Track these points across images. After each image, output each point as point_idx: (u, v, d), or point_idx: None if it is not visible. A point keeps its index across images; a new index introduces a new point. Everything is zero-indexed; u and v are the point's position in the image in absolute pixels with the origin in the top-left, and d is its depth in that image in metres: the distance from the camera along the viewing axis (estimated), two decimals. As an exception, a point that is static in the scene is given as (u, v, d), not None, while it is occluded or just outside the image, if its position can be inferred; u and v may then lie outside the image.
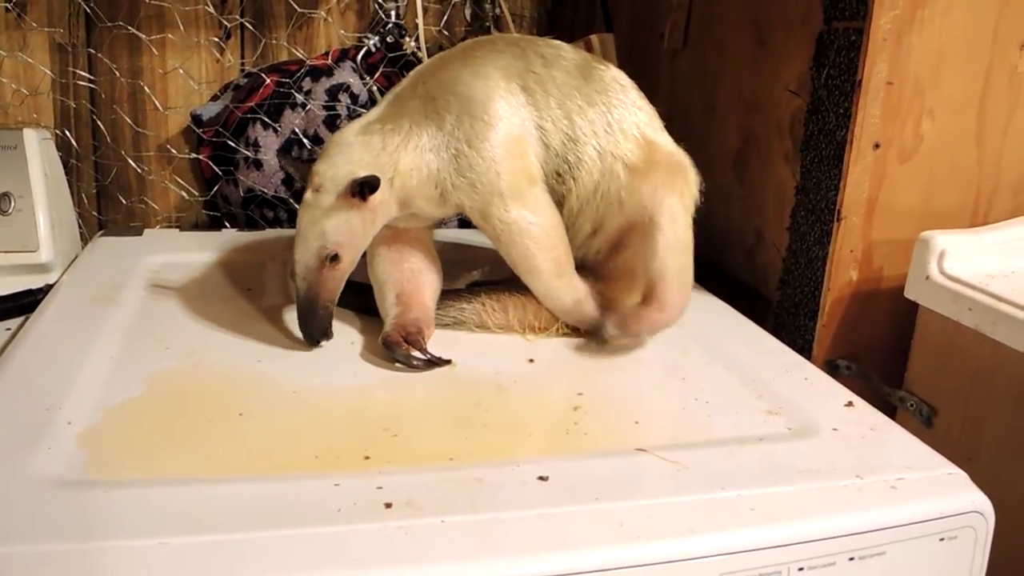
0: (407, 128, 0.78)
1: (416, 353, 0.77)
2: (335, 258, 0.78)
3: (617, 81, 0.85)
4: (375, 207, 0.78)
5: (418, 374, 0.77)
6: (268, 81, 1.23)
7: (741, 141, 1.07)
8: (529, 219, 0.80)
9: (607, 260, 0.88)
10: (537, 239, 0.81)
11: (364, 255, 0.83)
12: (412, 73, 0.84)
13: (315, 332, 0.79)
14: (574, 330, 0.86)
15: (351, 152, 0.78)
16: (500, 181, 0.78)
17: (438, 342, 0.82)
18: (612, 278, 0.87)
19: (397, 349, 0.77)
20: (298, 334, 0.80)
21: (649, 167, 0.82)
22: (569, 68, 0.84)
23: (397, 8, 1.29)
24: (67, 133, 1.25)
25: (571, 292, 0.84)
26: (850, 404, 0.75)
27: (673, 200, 0.81)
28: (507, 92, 0.80)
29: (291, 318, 0.87)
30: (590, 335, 0.84)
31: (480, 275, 1.01)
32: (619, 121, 0.83)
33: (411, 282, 0.84)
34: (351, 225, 0.77)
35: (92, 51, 1.24)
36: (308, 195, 0.77)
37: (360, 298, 0.87)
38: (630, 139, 0.83)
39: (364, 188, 0.75)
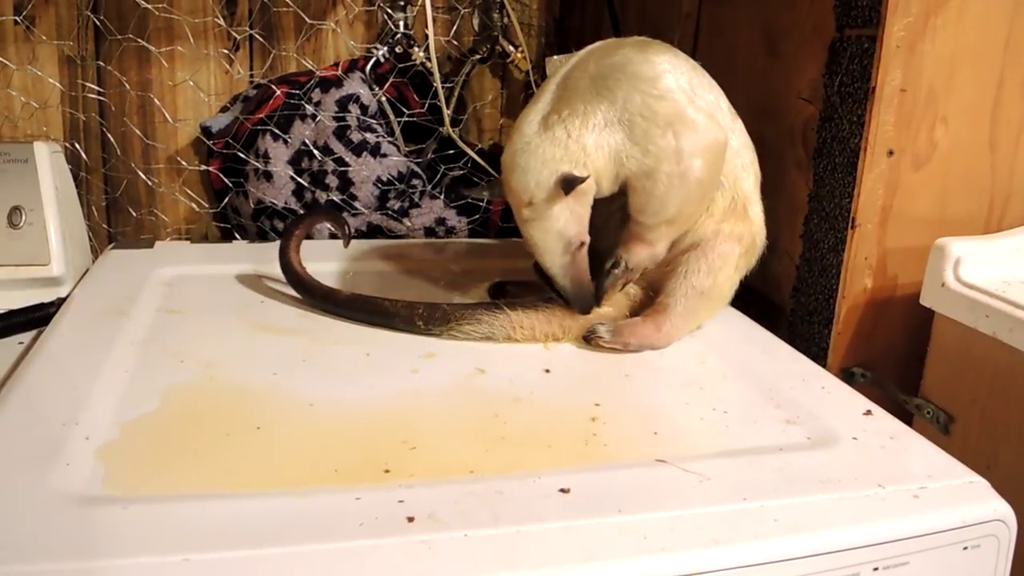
0: (582, 110, 0.80)
1: None
2: (580, 245, 0.82)
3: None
4: (585, 189, 0.80)
5: (435, 385, 0.77)
6: (278, 92, 1.23)
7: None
8: (699, 170, 0.81)
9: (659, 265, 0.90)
10: (700, 185, 0.82)
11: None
12: (579, 56, 0.85)
13: (590, 303, 0.84)
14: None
15: (541, 153, 0.79)
16: (678, 140, 0.79)
17: (455, 352, 0.83)
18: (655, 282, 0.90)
19: None
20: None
21: (739, 215, 0.87)
22: (724, 101, 0.87)
23: (406, 19, 1.29)
24: (77, 146, 1.26)
25: (665, 246, 0.86)
26: (868, 413, 0.75)
27: (736, 248, 0.86)
28: (674, 76, 0.82)
29: (304, 330, 0.87)
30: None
31: (491, 286, 1.01)
32: (746, 166, 0.88)
33: None
34: (577, 214, 0.81)
35: (101, 63, 1.24)
36: (525, 212, 0.81)
37: (371, 312, 0.88)
38: (749, 178, 0.88)
39: (569, 185, 0.78)
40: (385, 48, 1.30)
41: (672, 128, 0.79)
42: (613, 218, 0.87)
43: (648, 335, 0.86)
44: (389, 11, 1.29)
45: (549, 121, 0.80)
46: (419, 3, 1.28)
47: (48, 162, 1.08)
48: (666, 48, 0.85)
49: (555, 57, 1.32)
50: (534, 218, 0.81)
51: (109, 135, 1.26)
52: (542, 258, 0.83)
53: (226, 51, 1.28)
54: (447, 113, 1.28)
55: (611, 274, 0.85)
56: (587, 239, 0.83)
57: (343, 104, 1.23)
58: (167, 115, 1.27)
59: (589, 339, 0.85)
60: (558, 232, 0.81)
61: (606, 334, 0.85)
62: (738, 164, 0.87)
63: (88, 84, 1.24)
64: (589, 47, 0.86)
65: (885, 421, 0.74)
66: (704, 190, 0.83)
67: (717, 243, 0.86)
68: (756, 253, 0.89)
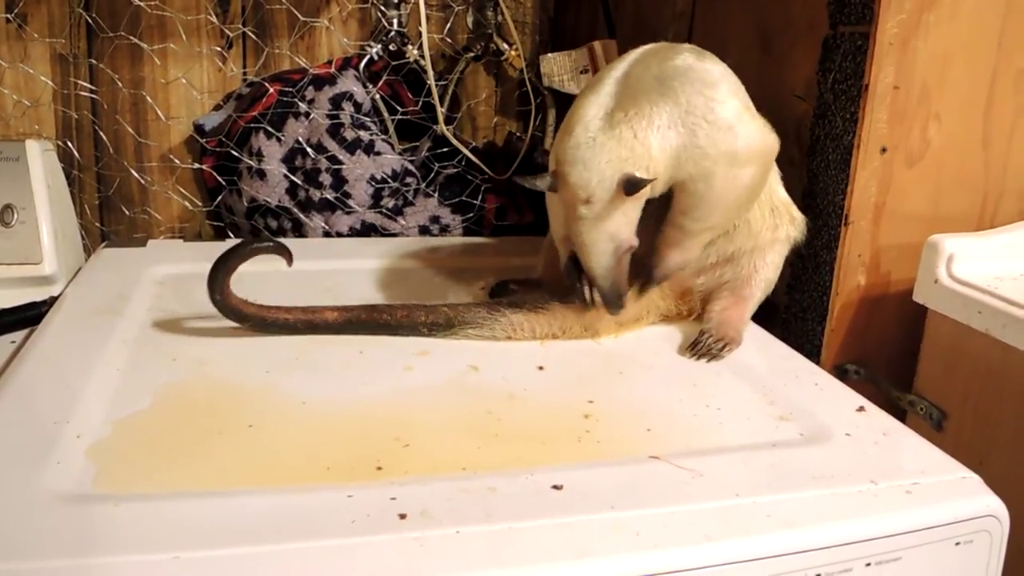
0: (648, 111, 0.79)
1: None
2: (628, 249, 0.82)
3: None
4: (642, 193, 0.80)
5: (428, 383, 0.77)
6: (271, 90, 1.23)
7: (746, 146, 1.06)
8: (750, 176, 0.83)
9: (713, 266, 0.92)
10: (748, 192, 0.84)
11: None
12: (639, 56, 0.85)
13: (622, 305, 0.83)
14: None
15: (607, 152, 0.78)
16: (737, 143, 0.81)
17: (449, 349, 0.83)
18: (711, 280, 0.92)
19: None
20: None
21: (788, 219, 0.91)
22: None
23: (399, 16, 1.29)
24: (69, 144, 1.25)
25: (697, 253, 0.88)
26: (861, 409, 0.75)
27: (787, 248, 0.91)
28: (732, 84, 0.84)
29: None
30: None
31: (486, 284, 1.01)
32: (779, 179, 0.91)
33: None
34: (630, 218, 0.80)
35: (94, 61, 1.24)
36: (581, 209, 0.79)
37: (373, 328, 0.87)
38: (783, 188, 0.92)
39: (633, 187, 0.77)
40: (379, 46, 1.29)
41: (733, 131, 0.80)
42: (647, 228, 0.86)
43: (739, 325, 0.89)
44: (383, 9, 1.29)
45: (614, 119, 0.79)
46: (413, 1, 1.28)
47: (40, 160, 1.08)
48: (718, 59, 0.86)
49: (549, 55, 1.32)
50: (589, 216, 0.79)
51: (102, 133, 1.26)
52: (587, 258, 0.81)
53: (219, 49, 1.28)
54: (441, 111, 1.28)
55: (645, 289, 0.88)
56: (636, 243, 0.82)
57: (337, 102, 1.23)
58: (160, 113, 1.27)
59: (702, 353, 0.85)
60: (611, 234, 0.80)
61: (715, 344, 0.86)
62: (773, 178, 0.89)
63: (80, 82, 1.24)
64: (641, 48, 0.86)
65: (878, 417, 0.74)
66: (750, 196, 0.85)
67: (778, 244, 0.90)
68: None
